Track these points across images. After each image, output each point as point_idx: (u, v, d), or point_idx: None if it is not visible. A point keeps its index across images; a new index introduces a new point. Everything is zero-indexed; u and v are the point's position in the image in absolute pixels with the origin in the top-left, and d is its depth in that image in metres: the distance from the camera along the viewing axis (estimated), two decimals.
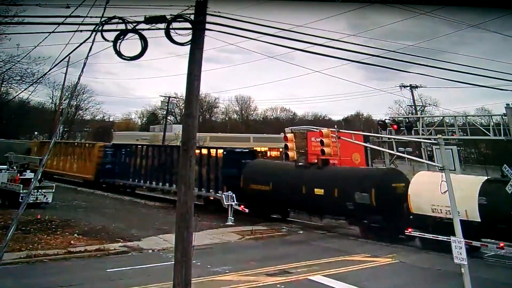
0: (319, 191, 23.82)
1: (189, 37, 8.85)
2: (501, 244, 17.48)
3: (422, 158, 22.45)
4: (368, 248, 20.51)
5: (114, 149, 41.82)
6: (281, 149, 27.51)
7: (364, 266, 17.49)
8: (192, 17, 8.79)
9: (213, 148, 31.76)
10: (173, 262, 8.45)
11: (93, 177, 41.49)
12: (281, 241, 22.54)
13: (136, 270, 16.24)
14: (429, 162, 18.42)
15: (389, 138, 26.15)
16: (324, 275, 15.98)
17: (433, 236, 19.10)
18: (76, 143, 50.00)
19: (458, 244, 12.07)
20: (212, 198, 29.96)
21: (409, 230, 20.32)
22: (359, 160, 26.38)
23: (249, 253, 19.46)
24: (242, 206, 27.10)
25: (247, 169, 28.56)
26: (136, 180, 37.43)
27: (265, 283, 15.11)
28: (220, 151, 30.49)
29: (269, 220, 27.35)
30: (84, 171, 43.09)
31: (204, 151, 31.57)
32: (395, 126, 26.33)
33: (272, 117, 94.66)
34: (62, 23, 8.92)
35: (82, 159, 44.03)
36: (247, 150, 31.52)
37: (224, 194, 26.62)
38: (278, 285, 14.92)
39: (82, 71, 8.95)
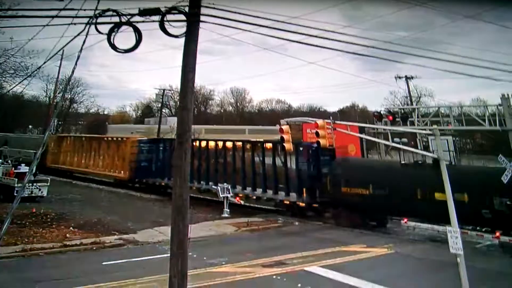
0: (441, 196, 18.76)
1: (184, 29, 8.78)
2: (497, 234, 17.53)
3: (417, 149, 22.38)
4: (364, 239, 20.59)
5: (151, 145, 37.46)
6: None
7: (361, 256, 17.58)
8: (186, 9, 8.70)
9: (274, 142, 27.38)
10: (169, 255, 8.42)
11: (126, 176, 37.28)
12: (277, 232, 22.60)
13: (132, 262, 16.26)
14: (425, 153, 18.40)
15: (384, 129, 26.14)
16: (320, 266, 16.06)
17: (430, 227, 19.18)
18: (102, 138, 45.37)
19: (454, 234, 12.13)
20: (288, 202, 26.57)
21: (405, 220, 20.37)
22: (354, 151, 26.24)
23: (245, 245, 19.51)
24: (237, 198, 27.09)
25: (335, 168, 24.64)
26: None
27: (261, 275, 15.17)
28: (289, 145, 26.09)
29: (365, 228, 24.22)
30: (115, 169, 38.85)
31: (268, 145, 28.28)
32: (391, 117, 26.29)
33: (267, 109, 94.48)
34: (56, 16, 8.81)
35: (111, 156, 39.61)
36: None
37: (219, 186, 26.57)
38: (275, 276, 14.98)
39: (76, 64, 8.88)
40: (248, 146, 29.56)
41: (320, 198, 24.91)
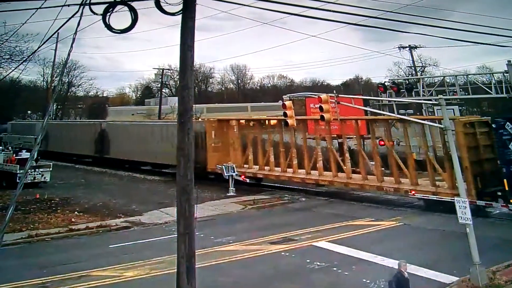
0: None
1: (180, 6, 8.48)
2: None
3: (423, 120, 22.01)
4: (371, 212, 20.47)
5: None
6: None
7: (368, 230, 17.48)
8: None
9: None
10: (176, 235, 8.28)
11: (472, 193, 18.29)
12: (284, 209, 22.50)
13: (139, 244, 16.20)
14: (431, 124, 18.14)
15: (389, 101, 25.73)
16: (328, 241, 15.98)
17: (437, 197, 18.99)
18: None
19: (462, 204, 11.96)
20: None
21: (412, 192, 20.16)
22: (359, 125, 25.73)
23: (252, 223, 19.45)
24: (243, 176, 26.89)
25: None
26: None
27: (269, 251, 15.13)
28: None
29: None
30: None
31: None
32: (395, 88, 25.81)
33: (269, 85, 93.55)
34: None
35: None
36: None
37: (224, 165, 26.34)
38: (283, 253, 14.92)
39: (71, 46, 8.56)
40: None
41: None
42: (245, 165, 28.30)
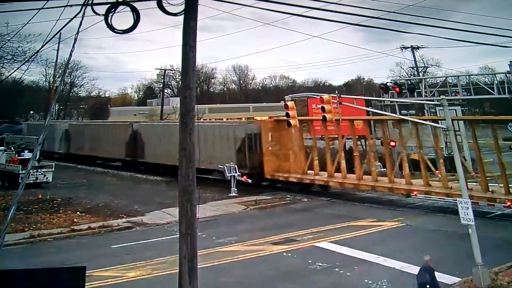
0: None
1: (182, 7, 8.48)
2: (508, 203, 17.29)
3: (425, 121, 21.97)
4: (373, 213, 20.45)
5: None
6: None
7: (371, 230, 17.47)
8: None
9: None
10: (178, 236, 8.28)
11: None
12: (286, 209, 22.49)
13: (141, 245, 16.21)
14: (433, 124, 18.13)
15: (391, 102, 25.71)
16: (330, 241, 15.98)
17: (438, 198, 18.98)
18: None
19: (464, 205, 11.93)
20: None
21: (415, 193, 20.14)
22: (361, 125, 25.73)
23: (254, 223, 19.44)
24: (244, 177, 26.88)
25: None
26: None
27: (271, 252, 15.13)
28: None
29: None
30: None
31: None
32: (397, 89, 25.82)
33: (271, 85, 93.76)
34: None
35: None
36: None
37: (226, 166, 26.31)
38: (285, 254, 14.91)
39: (73, 46, 8.54)
40: None
41: None
42: (309, 171, 25.33)
